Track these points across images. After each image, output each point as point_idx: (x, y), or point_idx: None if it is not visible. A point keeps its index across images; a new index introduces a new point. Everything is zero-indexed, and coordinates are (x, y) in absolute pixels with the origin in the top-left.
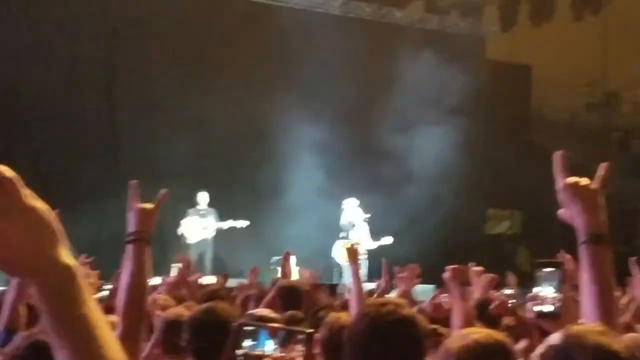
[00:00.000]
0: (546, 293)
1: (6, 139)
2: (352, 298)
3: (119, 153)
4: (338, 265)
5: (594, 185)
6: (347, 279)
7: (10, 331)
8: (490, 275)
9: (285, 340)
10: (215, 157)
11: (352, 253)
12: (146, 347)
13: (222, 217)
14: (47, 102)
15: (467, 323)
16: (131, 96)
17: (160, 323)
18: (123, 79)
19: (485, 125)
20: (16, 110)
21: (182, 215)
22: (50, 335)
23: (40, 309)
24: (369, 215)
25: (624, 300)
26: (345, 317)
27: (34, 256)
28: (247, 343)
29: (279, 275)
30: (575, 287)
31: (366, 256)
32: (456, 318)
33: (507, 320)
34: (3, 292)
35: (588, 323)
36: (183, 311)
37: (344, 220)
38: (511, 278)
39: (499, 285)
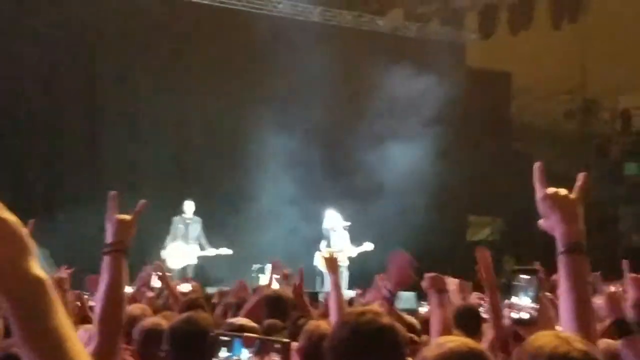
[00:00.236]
0: (524, 301)
1: None
2: (331, 306)
3: (98, 161)
4: (320, 273)
5: (573, 195)
6: (328, 287)
7: None
8: (457, 280)
9: (261, 350)
10: (194, 165)
11: (332, 262)
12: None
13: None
14: (26, 111)
15: (445, 330)
16: (111, 106)
17: (137, 333)
18: (102, 87)
19: (465, 132)
20: None
21: (162, 222)
22: (21, 347)
23: (11, 321)
24: (349, 223)
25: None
26: (325, 326)
27: (4, 269)
28: (222, 353)
29: (260, 282)
30: (553, 290)
31: (347, 264)
32: (434, 326)
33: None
34: None
35: (564, 330)
36: (160, 320)
37: (324, 227)
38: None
39: (478, 290)
